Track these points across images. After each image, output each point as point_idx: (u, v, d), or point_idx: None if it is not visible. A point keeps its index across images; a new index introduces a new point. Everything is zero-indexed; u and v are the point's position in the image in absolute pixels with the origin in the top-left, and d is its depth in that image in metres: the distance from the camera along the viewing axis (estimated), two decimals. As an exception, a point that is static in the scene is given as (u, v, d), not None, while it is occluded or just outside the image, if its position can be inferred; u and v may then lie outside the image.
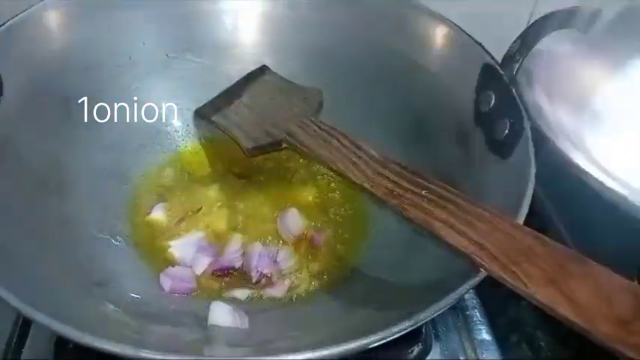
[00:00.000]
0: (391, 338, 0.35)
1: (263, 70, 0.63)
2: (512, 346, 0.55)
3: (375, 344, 0.34)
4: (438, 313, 0.36)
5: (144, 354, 0.32)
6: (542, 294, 0.34)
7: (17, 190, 0.46)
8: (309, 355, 0.33)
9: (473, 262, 0.37)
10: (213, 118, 0.60)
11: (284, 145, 0.55)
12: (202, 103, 0.62)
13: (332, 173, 0.57)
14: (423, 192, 0.42)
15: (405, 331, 0.35)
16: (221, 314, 0.45)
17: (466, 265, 0.38)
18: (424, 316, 0.35)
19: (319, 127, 0.53)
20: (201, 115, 0.62)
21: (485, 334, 0.54)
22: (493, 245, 0.37)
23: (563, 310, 0.33)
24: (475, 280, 0.37)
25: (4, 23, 0.49)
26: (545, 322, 0.59)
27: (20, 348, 0.49)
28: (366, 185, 0.46)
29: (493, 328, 0.55)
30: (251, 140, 0.57)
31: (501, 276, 0.35)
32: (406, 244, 0.51)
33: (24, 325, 0.50)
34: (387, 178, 0.45)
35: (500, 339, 0.55)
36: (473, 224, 0.38)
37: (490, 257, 0.36)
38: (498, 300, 0.59)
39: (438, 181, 0.43)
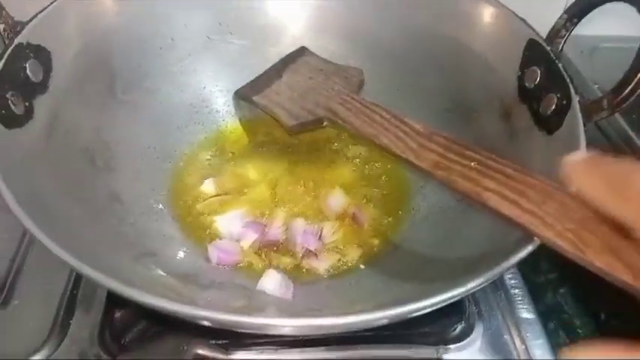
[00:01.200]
0: (436, 307, 0.35)
1: (302, 51, 0.64)
2: (550, 332, 0.55)
3: (417, 313, 0.35)
4: (486, 283, 0.36)
5: (198, 312, 0.33)
6: (600, 260, 0.33)
7: (68, 164, 0.48)
8: (348, 319, 0.33)
9: (527, 232, 0.36)
10: (254, 99, 0.61)
11: (325, 123, 0.55)
12: (242, 84, 0.62)
13: (372, 150, 0.57)
14: (472, 163, 0.42)
15: (452, 300, 0.36)
16: (271, 281, 0.46)
17: (514, 236, 0.38)
18: (470, 287, 0.35)
19: (361, 104, 0.53)
20: (242, 95, 0.62)
21: (527, 313, 0.54)
22: (547, 213, 0.36)
23: (623, 275, 0.32)
24: (526, 251, 0.37)
25: (53, 2, 0.50)
26: (583, 310, 0.59)
27: (70, 315, 0.50)
28: (411, 158, 0.45)
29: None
30: (292, 118, 0.57)
31: (557, 243, 0.35)
32: (449, 217, 0.51)
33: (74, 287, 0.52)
34: (433, 150, 0.45)
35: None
36: (524, 193, 0.38)
37: (545, 225, 0.35)
38: (537, 286, 0.59)
39: (486, 152, 0.43)
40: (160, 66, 0.59)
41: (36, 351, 0.47)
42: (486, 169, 0.41)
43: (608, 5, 0.46)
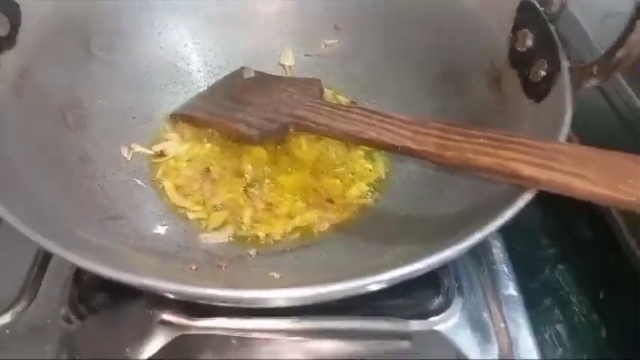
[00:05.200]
0: (414, 275, 0.33)
1: (242, 71, 0.60)
2: (546, 309, 0.54)
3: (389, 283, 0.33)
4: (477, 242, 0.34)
5: (162, 284, 0.32)
6: None
7: (37, 123, 0.47)
8: (324, 288, 0.31)
9: (571, 192, 0.34)
10: (201, 116, 0.56)
11: (291, 129, 0.51)
12: (224, 43, 0.60)
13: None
14: (481, 140, 0.39)
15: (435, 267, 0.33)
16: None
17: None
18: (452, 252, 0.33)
19: (330, 106, 0.49)
20: (184, 116, 0.57)
21: (511, 291, 0.52)
22: (589, 172, 0.34)
23: None
24: (518, 205, 0.35)
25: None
26: (581, 288, 0.57)
27: (41, 276, 0.50)
28: (410, 144, 0.41)
29: (521, 286, 0.53)
30: (253, 128, 0.53)
31: (611, 196, 0.33)
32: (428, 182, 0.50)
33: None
34: (430, 134, 0.41)
35: (533, 303, 0.53)
36: (554, 158, 0.35)
37: (591, 182, 0.34)
38: (536, 262, 0.57)
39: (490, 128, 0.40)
40: (139, 23, 0.57)
41: (5, 310, 0.47)
42: (502, 143, 0.38)
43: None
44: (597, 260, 0.57)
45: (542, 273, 0.59)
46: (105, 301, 0.47)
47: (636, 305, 0.54)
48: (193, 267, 0.43)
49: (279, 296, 0.33)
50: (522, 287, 0.53)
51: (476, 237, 0.34)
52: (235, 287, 0.32)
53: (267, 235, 0.49)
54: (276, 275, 0.43)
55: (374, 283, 0.32)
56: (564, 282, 0.58)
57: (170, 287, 0.32)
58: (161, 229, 0.48)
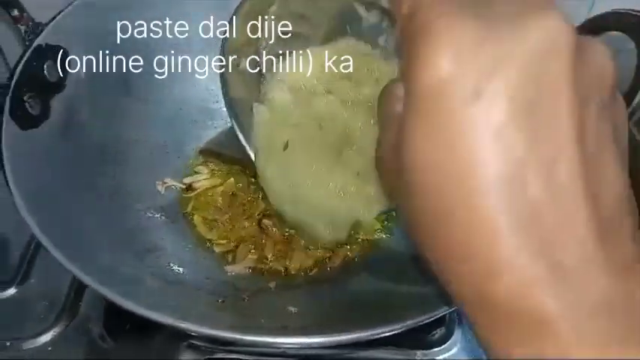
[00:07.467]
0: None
1: None
2: None
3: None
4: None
5: (183, 324, 0.37)
6: None
7: (81, 160, 0.51)
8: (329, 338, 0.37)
9: None
10: (228, 152, 0.59)
11: None
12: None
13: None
14: None
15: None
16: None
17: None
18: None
19: None
20: (212, 152, 0.61)
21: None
22: None
23: None
24: None
25: (72, 3, 0.52)
26: None
27: (79, 299, 0.55)
28: None
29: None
30: None
31: None
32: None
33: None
34: None
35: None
36: None
37: None
38: None
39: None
40: (176, 64, 0.59)
41: (48, 329, 0.52)
42: None
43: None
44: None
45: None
46: (136, 323, 0.51)
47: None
48: (220, 300, 0.47)
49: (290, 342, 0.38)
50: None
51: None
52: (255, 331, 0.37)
53: (285, 269, 0.53)
54: (294, 310, 0.47)
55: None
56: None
57: (190, 327, 0.37)
58: (191, 262, 0.52)
